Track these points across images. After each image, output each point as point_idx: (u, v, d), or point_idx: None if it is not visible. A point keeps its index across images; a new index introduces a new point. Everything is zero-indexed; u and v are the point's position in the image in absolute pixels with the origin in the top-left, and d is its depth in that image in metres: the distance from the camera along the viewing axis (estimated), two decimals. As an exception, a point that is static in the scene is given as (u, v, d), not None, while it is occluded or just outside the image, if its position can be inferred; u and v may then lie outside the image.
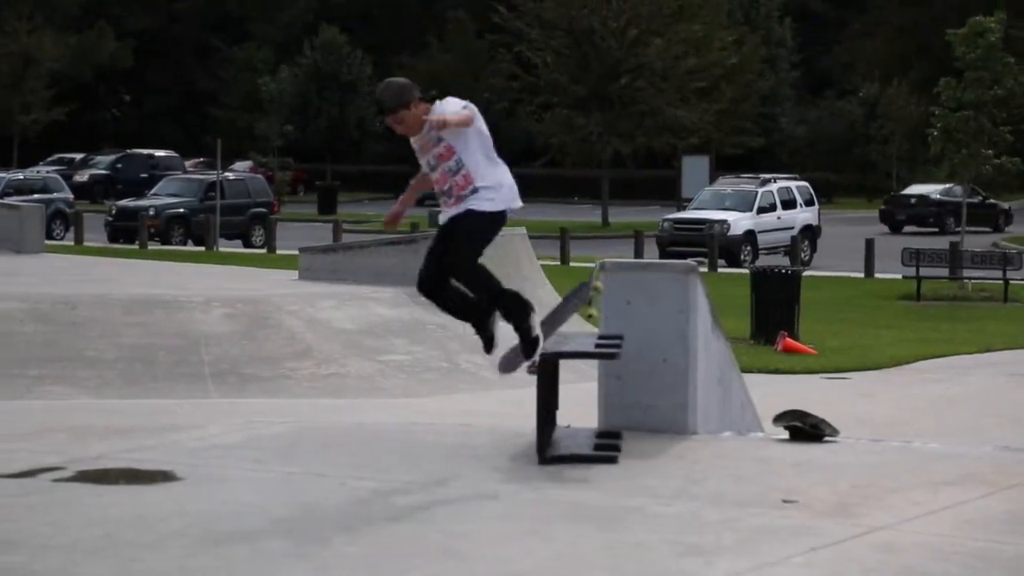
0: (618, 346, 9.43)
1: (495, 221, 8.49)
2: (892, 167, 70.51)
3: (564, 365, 9.88)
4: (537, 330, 8.55)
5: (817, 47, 79.83)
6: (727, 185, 43.42)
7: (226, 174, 45.26)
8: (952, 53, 33.84)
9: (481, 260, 8.52)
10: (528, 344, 8.56)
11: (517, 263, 17.51)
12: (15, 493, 7.96)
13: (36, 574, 6.32)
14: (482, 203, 8.42)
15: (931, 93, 35.76)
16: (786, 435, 9.77)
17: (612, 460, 8.83)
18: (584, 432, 9.52)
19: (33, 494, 7.96)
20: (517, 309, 8.52)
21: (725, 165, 61.64)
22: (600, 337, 9.56)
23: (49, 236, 34.15)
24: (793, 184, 42.70)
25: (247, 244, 41.96)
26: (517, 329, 8.53)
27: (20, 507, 7.60)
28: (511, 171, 8.77)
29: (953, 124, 32.43)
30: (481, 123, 8.40)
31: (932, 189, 54.01)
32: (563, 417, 9.89)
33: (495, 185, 8.46)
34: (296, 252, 21.15)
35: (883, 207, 55.85)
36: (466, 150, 8.42)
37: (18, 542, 6.85)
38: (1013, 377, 17.88)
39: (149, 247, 37.90)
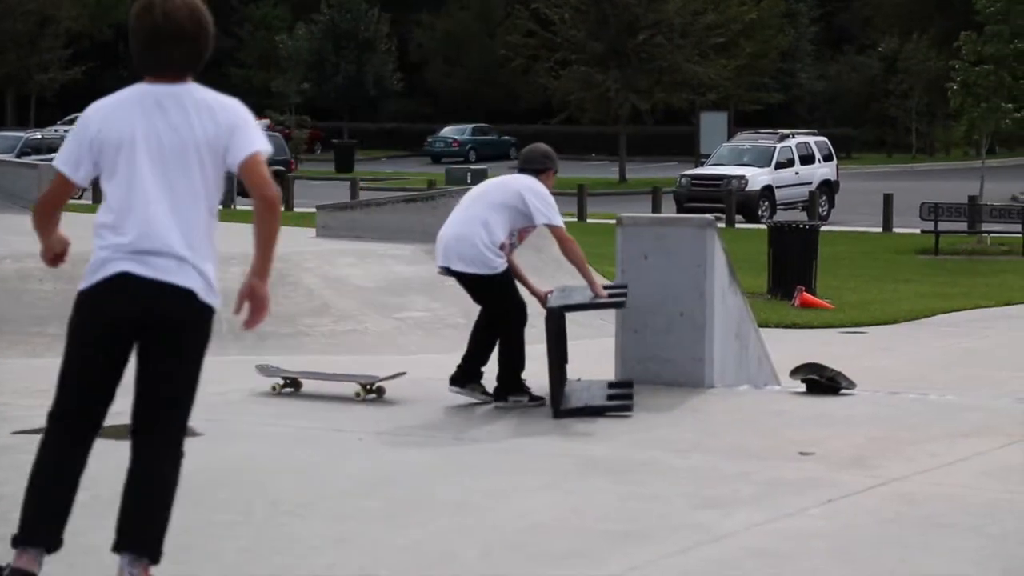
0: (625, 295, 9.48)
1: None
2: (911, 122, 70.22)
3: (583, 321, 9.92)
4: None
5: (836, 2, 79.38)
6: (745, 141, 43.28)
7: (244, 132, 45.15)
8: (973, 6, 33.62)
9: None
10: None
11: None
12: (34, 450, 8.01)
13: (57, 528, 6.36)
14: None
15: (951, 47, 35.55)
16: (803, 388, 9.80)
17: (627, 409, 8.86)
18: (597, 384, 9.55)
19: (53, 450, 8.00)
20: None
21: (743, 121, 61.41)
22: (605, 287, 9.58)
23: (67, 195, 34.16)
24: (811, 139, 42.55)
25: (265, 202, 41.92)
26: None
27: (41, 462, 7.64)
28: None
29: (973, 78, 32.26)
30: None
31: None
32: (582, 372, 9.92)
33: None
34: (314, 210, 21.17)
35: None
36: None
37: (39, 497, 6.90)
38: (1032, 331, 17.84)
39: (167, 206, 37.94)
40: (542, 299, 9.43)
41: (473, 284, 9.28)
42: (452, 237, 9.25)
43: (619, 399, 9.04)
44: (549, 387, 8.96)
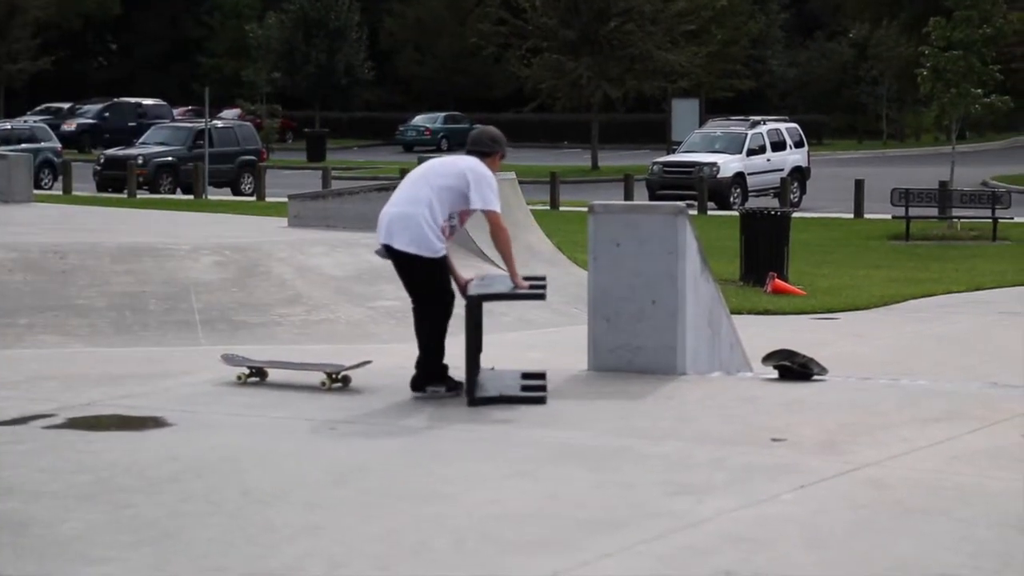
0: (544, 287, 9.46)
1: None
2: (882, 108, 70.42)
3: (558, 310, 9.91)
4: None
5: (806, -12, 79.50)
6: (716, 127, 43.28)
7: (214, 122, 45.01)
8: (942, -8, 33.70)
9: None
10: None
11: (507, 208, 17.44)
12: (7, 440, 7.99)
13: (30, 520, 6.35)
14: None
15: (921, 33, 35.63)
16: (775, 374, 9.82)
17: (541, 401, 8.89)
18: (510, 374, 9.57)
19: (25, 441, 7.99)
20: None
21: (715, 108, 61.44)
22: (526, 278, 9.59)
23: (37, 185, 33.96)
24: (783, 126, 42.58)
25: (236, 192, 41.79)
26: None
27: (12, 454, 7.63)
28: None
29: (943, 63, 32.33)
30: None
31: None
32: (555, 361, 9.94)
33: None
34: (285, 199, 21.12)
35: None
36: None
37: (11, 488, 6.88)
38: (1002, 315, 17.92)
39: (137, 196, 37.78)
40: (462, 287, 9.33)
41: (412, 265, 9.15)
42: (397, 216, 9.16)
43: (533, 389, 9.08)
44: (465, 375, 8.95)
